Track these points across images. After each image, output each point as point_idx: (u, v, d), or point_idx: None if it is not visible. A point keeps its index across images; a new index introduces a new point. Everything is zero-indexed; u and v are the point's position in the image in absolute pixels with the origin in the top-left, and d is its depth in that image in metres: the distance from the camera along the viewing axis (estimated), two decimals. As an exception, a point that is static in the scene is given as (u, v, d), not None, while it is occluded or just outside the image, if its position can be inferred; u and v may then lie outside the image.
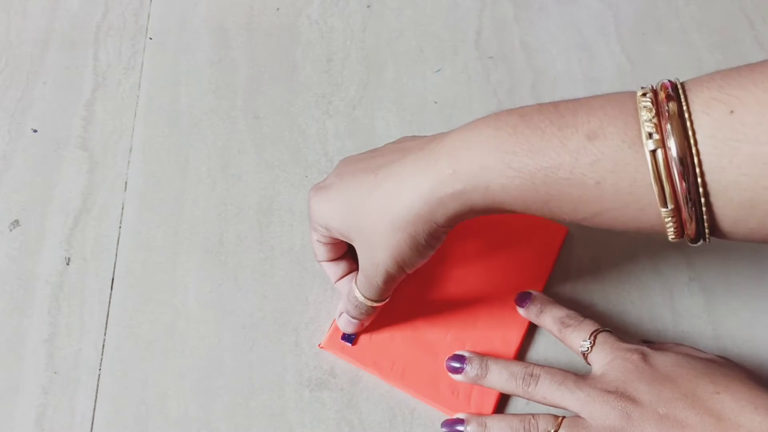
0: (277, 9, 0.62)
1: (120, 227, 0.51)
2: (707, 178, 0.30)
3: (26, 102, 0.56)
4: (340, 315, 0.44)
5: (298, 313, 0.47)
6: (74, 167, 0.53)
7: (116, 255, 0.49)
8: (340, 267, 0.44)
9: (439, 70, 0.59)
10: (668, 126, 0.30)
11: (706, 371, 0.37)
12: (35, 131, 0.55)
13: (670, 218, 0.31)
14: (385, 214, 0.37)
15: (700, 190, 0.30)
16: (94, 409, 0.44)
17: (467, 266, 0.48)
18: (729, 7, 0.63)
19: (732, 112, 0.30)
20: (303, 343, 0.46)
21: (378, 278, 0.39)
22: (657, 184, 0.31)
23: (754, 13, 0.62)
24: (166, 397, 0.44)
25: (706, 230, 0.32)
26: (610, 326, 0.44)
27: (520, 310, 0.46)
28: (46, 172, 0.53)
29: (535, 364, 0.41)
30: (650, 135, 0.31)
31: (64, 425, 0.43)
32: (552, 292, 0.48)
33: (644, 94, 0.32)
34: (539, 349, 0.46)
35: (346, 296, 0.43)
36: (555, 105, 0.34)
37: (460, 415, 0.42)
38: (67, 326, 0.46)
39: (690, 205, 0.31)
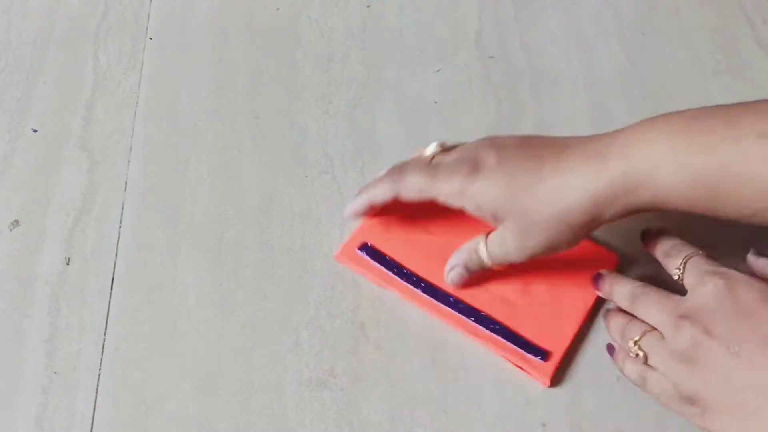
0: (277, 9, 0.62)
1: (120, 227, 0.51)
2: None
3: (26, 102, 0.56)
4: (452, 268, 0.46)
5: (298, 313, 0.47)
6: (74, 167, 0.53)
7: (116, 255, 0.49)
8: None
9: (439, 70, 0.59)
10: None
11: None
12: (35, 131, 0.55)
13: None
14: (552, 206, 0.39)
15: None
16: (94, 409, 0.44)
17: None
18: (729, 7, 0.63)
19: None
20: (303, 343, 0.46)
21: (516, 256, 0.42)
22: None
23: (754, 13, 0.62)
24: (166, 397, 0.44)
25: None
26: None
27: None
28: (46, 172, 0.53)
29: (640, 282, 0.42)
30: None
31: (64, 425, 0.43)
32: (552, 292, 0.48)
33: None
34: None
35: (468, 251, 0.45)
36: (724, 108, 0.37)
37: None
38: (67, 326, 0.46)
39: None
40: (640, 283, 0.43)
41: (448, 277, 0.47)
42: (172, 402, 0.44)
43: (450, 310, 0.46)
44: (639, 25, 0.62)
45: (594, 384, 0.44)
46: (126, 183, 0.52)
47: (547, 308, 0.46)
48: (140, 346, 0.46)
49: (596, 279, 0.45)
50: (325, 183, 0.53)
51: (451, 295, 0.46)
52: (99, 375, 0.45)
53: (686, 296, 0.40)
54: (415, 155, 0.46)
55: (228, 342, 0.46)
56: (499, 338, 0.45)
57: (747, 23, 0.62)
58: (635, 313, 0.42)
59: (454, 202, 0.43)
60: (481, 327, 0.45)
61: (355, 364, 0.45)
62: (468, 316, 0.45)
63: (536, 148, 0.42)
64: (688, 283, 0.40)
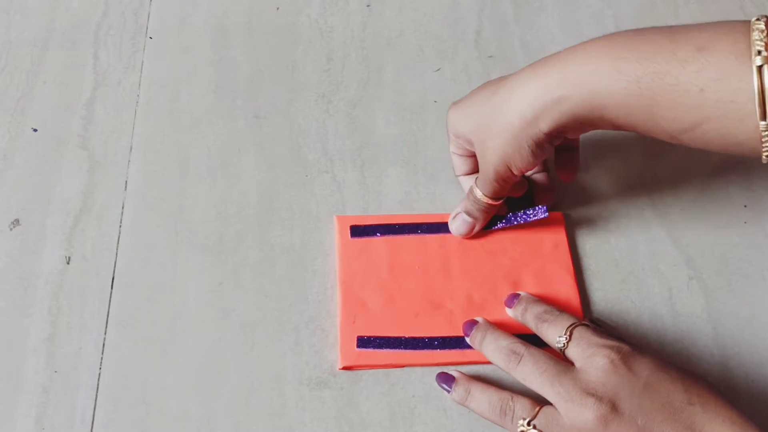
0: (277, 9, 0.62)
1: (120, 227, 0.51)
2: None
3: (26, 101, 0.56)
4: (455, 216, 0.48)
5: (298, 313, 0.47)
6: (74, 167, 0.53)
7: (116, 254, 0.49)
8: (472, 180, 0.48)
9: (438, 70, 0.59)
10: None
11: (681, 379, 0.37)
12: (35, 130, 0.55)
13: (767, 133, 0.34)
14: (497, 118, 0.41)
15: None
16: (95, 408, 0.44)
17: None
18: (728, 6, 0.63)
19: None
20: (303, 343, 0.46)
21: (490, 175, 0.44)
22: (759, 96, 0.33)
23: (754, 12, 0.62)
24: (166, 396, 0.44)
25: None
26: (610, 326, 0.44)
27: (509, 311, 0.46)
28: (46, 172, 0.53)
29: (522, 342, 0.41)
30: (759, 52, 0.33)
31: (64, 424, 0.43)
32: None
33: (758, 19, 0.34)
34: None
35: (467, 195, 0.47)
36: (669, 27, 0.37)
37: (454, 374, 0.43)
38: (68, 325, 0.46)
39: None
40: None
41: (453, 226, 0.48)
42: (172, 401, 0.44)
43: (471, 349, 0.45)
44: (639, 24, 0.61)
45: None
46: (126, 183, 0.52)
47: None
48: (140, 345, 0.46)
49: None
50: (325, 183, 0.53)
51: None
52: (99, 374, 0.45)
53: (579, 368, 0.39)
54: None
55: (228, 341, 0.46)
56: None
57: (747, 23, 0.62)
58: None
59: (452, 140, 0.47)
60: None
61: (355, 364, 0.45)
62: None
63: (494, 83, 0.44)
64: (574, 353, 0.40)
